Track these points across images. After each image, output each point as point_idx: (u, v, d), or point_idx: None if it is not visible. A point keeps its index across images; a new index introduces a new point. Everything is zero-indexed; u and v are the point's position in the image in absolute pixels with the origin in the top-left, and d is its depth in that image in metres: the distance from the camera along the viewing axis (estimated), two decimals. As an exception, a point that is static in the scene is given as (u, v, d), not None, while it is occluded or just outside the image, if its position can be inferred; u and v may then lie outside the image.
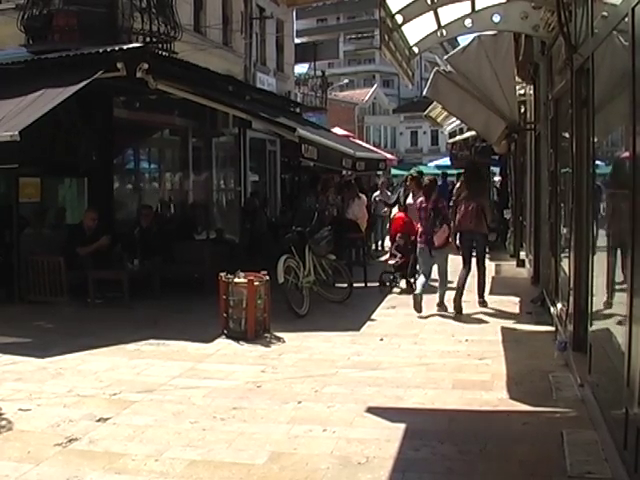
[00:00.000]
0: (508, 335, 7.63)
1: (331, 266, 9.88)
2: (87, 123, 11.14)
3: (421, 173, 11.18)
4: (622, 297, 4.17)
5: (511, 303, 9.42)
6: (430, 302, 8.90)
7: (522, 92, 11.84)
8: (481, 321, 8.51)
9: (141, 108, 12.87)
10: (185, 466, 4.28)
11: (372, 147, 28.69)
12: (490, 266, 11.36)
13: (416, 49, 8.81)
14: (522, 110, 11.98)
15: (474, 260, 9.34)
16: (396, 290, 10.51)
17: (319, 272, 9.56)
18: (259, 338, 7.62)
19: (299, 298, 8.91)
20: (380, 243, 16.57)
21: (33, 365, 6.55)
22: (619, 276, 4.42)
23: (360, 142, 25.68)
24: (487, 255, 10.02)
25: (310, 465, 4.28)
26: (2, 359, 6.73)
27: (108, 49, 9.43)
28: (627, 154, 3.92)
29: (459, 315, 8.71)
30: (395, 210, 13.55)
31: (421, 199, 9.32)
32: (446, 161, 26.48)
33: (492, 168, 18.50)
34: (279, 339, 7.65)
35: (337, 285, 10.02)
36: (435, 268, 9.18)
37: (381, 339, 7.60)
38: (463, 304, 8.85)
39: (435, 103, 14.39)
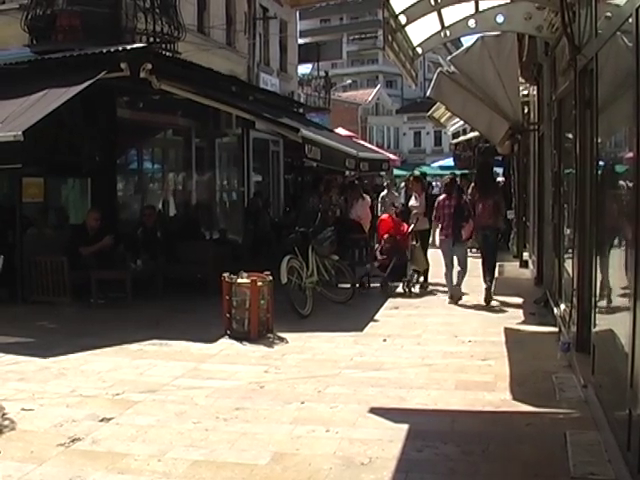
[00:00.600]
0: (511, 336, 7.62)
1: (334, 266, 9.88)
2: (90, 123, 11.17)
3: (424, 175, 11.22)
4: (626, 298, 4.16)
5: (514, 304, 9.42)
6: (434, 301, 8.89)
7: (525, 93, 11.84)
8: (484, 322, 8.51)
9: (144, 108, 12.87)
10: (188, 466, 4.28)
11: (375, 148, 28.70)
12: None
13: (420, 50, 8.84)
14: (525, 111, 11.98)
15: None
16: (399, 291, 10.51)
17: (322, 272, 9.56)
18: (262, 338, 7.62)
19: (302, 298, 8.91)
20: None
21: (36, 365, 6.55)
22: (623, 277, 4.40)
23: (363, 142, 25.67)
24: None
25: (313, 465, 4.27)
26: (5, 359, 6.73)
27: (112, 49, 9.46)
28: (631, 155, 3.92)
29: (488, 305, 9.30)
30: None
31: (443, 196, 10.04)
32: (449, 162, 26.44)
33: (495, 169, 18.48)
34: (282, 339, 7.64)
35: (340, 286, 10.02)
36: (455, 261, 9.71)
37: (384, 340, 7.59)
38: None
39: (438, 104, 14.38)
